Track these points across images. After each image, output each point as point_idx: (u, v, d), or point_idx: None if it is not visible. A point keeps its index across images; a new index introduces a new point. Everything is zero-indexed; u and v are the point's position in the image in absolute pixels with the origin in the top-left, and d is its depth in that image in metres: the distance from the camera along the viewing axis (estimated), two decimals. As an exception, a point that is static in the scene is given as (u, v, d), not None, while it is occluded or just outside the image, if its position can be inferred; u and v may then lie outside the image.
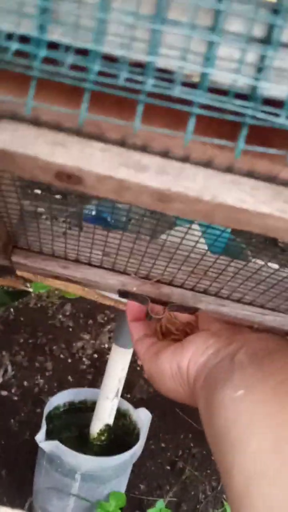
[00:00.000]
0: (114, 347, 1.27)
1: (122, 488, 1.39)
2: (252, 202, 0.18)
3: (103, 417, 1.33)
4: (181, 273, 0.39)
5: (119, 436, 1.41)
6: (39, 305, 2.41)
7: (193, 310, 0.39)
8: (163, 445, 1.74)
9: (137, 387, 1.99)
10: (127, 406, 1.44)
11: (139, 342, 0.43)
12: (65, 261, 0.40)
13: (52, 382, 1.93)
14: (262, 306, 0.38)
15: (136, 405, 1.45)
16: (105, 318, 2.44)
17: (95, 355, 2.15)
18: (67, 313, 2.40)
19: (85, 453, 1.25)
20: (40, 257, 0.40)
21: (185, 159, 0.20)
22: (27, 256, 0.40)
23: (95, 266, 0.40)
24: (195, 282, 0.39)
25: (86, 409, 1.46)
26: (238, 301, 0.39)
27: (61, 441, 1.24)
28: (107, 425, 1.34)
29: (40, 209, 0.39)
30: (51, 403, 1.40)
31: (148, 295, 0.39)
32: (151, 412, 1.53)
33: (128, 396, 1.91)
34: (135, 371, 2.08)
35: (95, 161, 0.21)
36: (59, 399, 1.43)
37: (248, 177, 0.18)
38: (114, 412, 1.34)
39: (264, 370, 0.30)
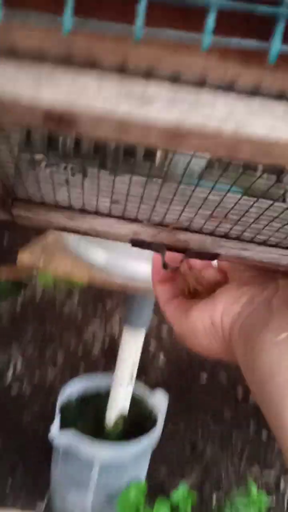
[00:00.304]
0: (126, 329, 1.23)
1: (143, 475, 1.36)
2: (286, 129, 0.13)
3: (118, 405, 1.30)
4: (199, 217, 0.35)
5: (136, 422, 1.38)
6: (46, 296, 2.38)
7: (213, 257, 0.36)
8: (181, 426, 1.71)
9: (152, 368, 1.96)
10: (142, 391, 1.41)
11: (166, 304, 0.41)
12: (70, 212, 0.36)
13: (64, 371, 1.90)
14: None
15: (152, 387, 1.41)
16: (114, 303, 2.40)
17: (106, 341, 2.11)
18: (76, 301, 2.37)
19: (101, 441, 1.22)
20: (43, 209, 0.36)
21: (201, 83, 0.17)
22: (29, 209, 0.36)
23: (103, 215, 0.36)
24: (215, 226, 0.35)
25: (100, 396, 1.43)
26: (263, 243, 0.35)
27: (77, 431, 1.21)
28: (123, 413, 1.31)
29: (38, 157, 0.35)
30: (64, 392, 1.36)
31: (163, 243, 0.35)
32: (168, 392, 1.50)
33: (144, 378, 1.88)
34: (148, 353, 2.05)
35: (89, 94, 0.18)
36: (72, 387, 1.40)
37: (280, 99, 0.14)
38: (129, 400, 1.30)
39: None
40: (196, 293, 0.41)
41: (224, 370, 2.02)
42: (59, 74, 0.17)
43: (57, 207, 0.36)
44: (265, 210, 0.33)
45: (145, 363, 1.97)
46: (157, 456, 1.56)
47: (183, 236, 0.36)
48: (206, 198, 0.34)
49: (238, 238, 0.35)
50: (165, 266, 0.36)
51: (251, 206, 0.33)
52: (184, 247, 0.36)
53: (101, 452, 1.20)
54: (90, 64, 0.17)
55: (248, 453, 1.63)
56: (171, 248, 0.36)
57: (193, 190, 0.35)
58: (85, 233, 0.36)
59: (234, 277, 0.38)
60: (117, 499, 1.26)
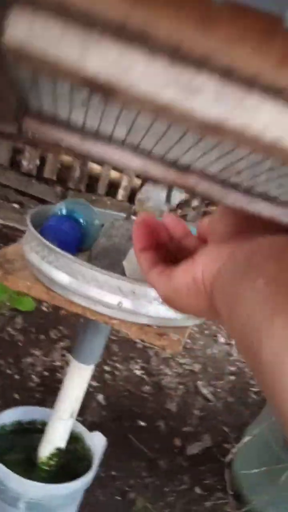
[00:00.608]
0: (73, 363, 1.15)
1: (69, 520, 1.26)
2: None
3: (55, 439, 1.21)
4: (215, 166, 0.33)
5: (69, 462, 1.28)
6: (-12, 316, 2.26)
7: (218, 203, 0.36)
8: (114, 473, 1.62)
9: (89, 409, 1.86)
10: (80, 428, 1.32)
11: (150, 270, 0.41)
12: (83, 134, 0.33)
13: (-3, 399, 1.78)
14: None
15: (88, 429, 1.33)
16: (58, 334, 2.31)
17: (46, 373, 2.01)
18: (18, 327, 2.26)
19: (31, 478, 1.12)
20: (54, 127, 0.33)
21: (251, 83, 0.16)
22: (41, 125, 0.33)
23: (116, 143, 0.34)
24: (227, 176, 0.33)
25: (35, 430, 1.33)
26: (273, 200, 0.34)
27: (6, 464, 1.11)
28: (58, 449, 1.21)
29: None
30: (-3, 422, 1.26)
31: (171, 183, 0.34)
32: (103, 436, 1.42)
33: (80, 419, 1.78)
34: (87, 392, 1.95)
35: (135, 73, 0.17)
36: (5, 417, 1.29)
37: None
38: (67, 435, 1.21)
39: (284, 263, 0.30)
40: (177, 261, 0.41)
41: (163, 419, 1.95)
42: (108, 43, 0.17)
43: (70, 126, 0.33)
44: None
45: (83, 403, 1.87)
46: (84, 502, 1.45)
47: (192, 180, 0.34)
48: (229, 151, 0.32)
49: (248, 192, 0.35)
50: (168, 203, 0.35)
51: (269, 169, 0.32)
52: (191, 190, 0.35)
53: (29, 490, 1.10)
54: (142, 39, 0.17)
55: (180, 509, 1.55)
56: (179, 187, 0.35)
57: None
58: (95, 157, 0.34)
59: (214, 238, 0.39)
60: None
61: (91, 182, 3.56)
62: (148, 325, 0.92)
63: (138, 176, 3.50)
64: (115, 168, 3.49)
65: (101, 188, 3.54)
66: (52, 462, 1.22)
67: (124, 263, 0.96)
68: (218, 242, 0.37)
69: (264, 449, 1.50)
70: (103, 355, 2.23)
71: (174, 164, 0.35)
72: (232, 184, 0.35)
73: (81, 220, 1.05)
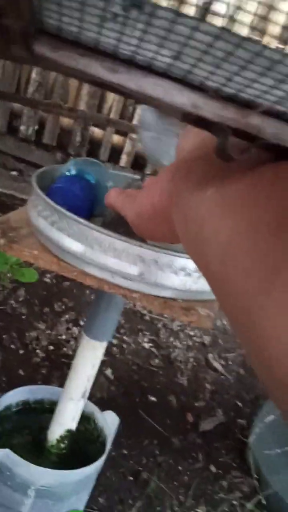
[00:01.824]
0: (85, 340, 1.05)
1: (82, 506, 1.18)
2: None
3: (65, 421, 1.12)
4: (287, 99, 0.25)
5: (81, 444, 1.20)
6: (-11, 288, 2.16)
7: (285, 152, 0.28)
8: (125, 452, 1.54)
9: (97, 384, 1.78)
10: (91, 408, 1.24)
11: (118, 196, 0.41)
12: (113, 62, 0.25)
13: (0, 376, 1.69)
14: None
15: (96, 405, 1.24)
16: (63, 307, 2.21)
17: (51, 347, 1.92)
18: (21, 299, 2.16)
19: (40, 462, 1.04)
20: (76, 51, 0.24)
21: None
22: (57, 48, 0.24)
23: (158, 73, 0.26)
24: None
25: (43, 410, 1.25)
26: None
27: (12, 448, 1.02)
28: (69, 431, 1.12)
29: None
30: (1, 402, 1.17)
31: (228, 125, 0.27)
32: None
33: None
34: (95, 366, 1.87)
35: None
36: (11, 397, 1.20)
37: None
38: (78, 416, 1.12)
39: (236, 176, 0.27)
40: None
41: (174, 394, 1.87)
42: None
43: (96, 51, 0.25)
44: None
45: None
46: (95, 484, 1.38)
47: (257, 120, 0.27)
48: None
49: None
50: (225, 155, 0.28)
51: None
52: (254, 133, 0.27)
53: (39, 477, 1.01)
54: None
55: (195, 489, 1.48)
56: (237, 133, 0.28)
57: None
58: (129, 94, 0.27)
59: (179, 157, 0.37)
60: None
61: (93, 147, 3.42)
62: (173, 299, 0.81)
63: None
64: (118, 132, 3.34)
65: (103, 153, 3.40)
66: (62, 445, 1.13)
67: (144, 229, 0.85)
68: (181, 161, 0.35)
69: (284, 425, 1.42)
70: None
71: (233, 99, 0.27)
72: None
73: (93, 181, 0.93)
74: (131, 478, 1.46)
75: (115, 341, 2.08)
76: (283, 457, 1.40)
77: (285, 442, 1.38)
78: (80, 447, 1.19)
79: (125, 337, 2.13)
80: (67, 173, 0.93)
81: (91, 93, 3.28)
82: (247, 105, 0.27)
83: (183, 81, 0.26)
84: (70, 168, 0.94)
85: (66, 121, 3.36)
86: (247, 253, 0.22)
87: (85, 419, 1.23)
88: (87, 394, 1.11)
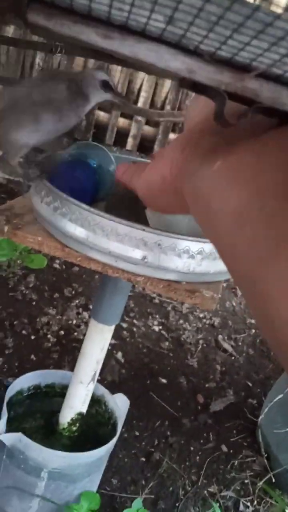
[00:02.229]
0: (93, 324, 1.06)
1: (94, 487, 1.20)
2: None
3: (76, 404, 1.13)
4: (281, 63, 0.25)
5: (92, 426, 1.21)
6: (-1, 275, 2.18)
7: (285, 117, 0.28)
8: (137, 433, 1.56)
9: (108, 368, 1.80)
10: (102, 391, 1.25)
11: (126, 170, 0.40)
12: (106, 28, 0.26)
13: (12, 361, 1.71)
14: None
15: (107, 388, 1.25)
16: (73, 292, 2.22)
17: (61, 332, 1.94)
18: (31, 285, 2.18)
19: (52, 445, 1.06)
20: (69, 19, 0.25)
21: None
22: (51, 15, 0.25)
23: (151, 38, 0.26)
24: None
25: (54, 394, 1.26)
26: None
27: (25, 432, 1.04)
28: (80, 414, 1.14)
29: None
30: (13, 387, 1.19)
31: (225, 89, 0.27)
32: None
33: (99, 378, 1.71)
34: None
35: None
36: (23, 382, 1.22)
37: None
38: (88, 399, 1.14)
39: (242, 146, 0.27)
40: None
41: (184, 375, 1.88)
42: None
43: (89, 18, 0.26)
44: None
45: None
46: (108, 466, 1.40)
47: (253, 84, 0.27)
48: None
49: None
50: (221, 120, 0.29)
51: None
52: (251, 98, 0.27)
53: (51, 460, 1.03)
54: None
55: (206, 468, 1.50)
56: (234, 97, 0.28)
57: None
58: (123, 59, 0.29)
59: (188, 127, 0.37)
60: (64, 514, 1.10)
61: (99, 131, 3.40)
62: (177, 282, 0.81)
63: (147, 123, 3.33)
64: (123, 115, 3.32)
65: (109, 137, 3.38)
66: (74, 428, 1.15)
67: (147, 212, 0.85)
68: (190, 132, 0.34)
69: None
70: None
71: (229, 63, 0.27)
72: None
73: (95, 165, 0.93)
74: (143, 459, 1.48)
75: (125, 325, 2.09)
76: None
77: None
78: (92, 429, 1.21)
79: (135, 321, 2.14)
80: (69, 158, 0.93)
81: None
82: (242, 69, 0.27)
83: (178, 46, 0.26)
84: (72, 152, 0.94)
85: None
86: (254, 222, 0.23)
87: (96, 402, 1.24)
88: (96, 377, 1.12)
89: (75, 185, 0.87)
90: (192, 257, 0.79)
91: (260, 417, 1.59)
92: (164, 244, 0.77)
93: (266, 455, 1.54)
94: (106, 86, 0.87)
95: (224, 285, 2.65)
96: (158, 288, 0.82)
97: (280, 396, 1.46)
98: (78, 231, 0.78)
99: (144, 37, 0.26)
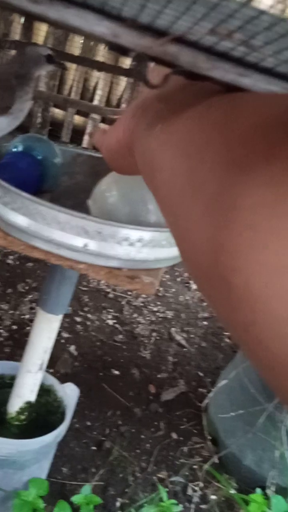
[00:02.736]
0: (40, 313, 1.08)
1: (44, 474, 1.22)
2: None
3: (24, 393, 1.15)
4: (197, 28, 0.27)
5: (42, 415, 1.23)
6: None
7: (204, 79, 0.30)
8: (88, 423, 1.59)
9: (61, 360, 1.81)
10: (51, 381, 1.27)
11: (97, 137, 0.42)
12: None
13: None
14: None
15: (60, 381, 1.28)
16: (26, 287, 2.23)
17: (14, 327, 1.94)
18: (-17, 281, 2.17)
19: (2, 435, 1.07)
20: None
21: None
22: None
23: (77, 4, 0.28)
24: (214, 42, 0.27)
25: (3, 384, 1.27)
26: (268, 71, 0.29)
27: (-27, 422, 1.05)
28: (28, 403, 1.16)
29: None
30: None
31: (147, 53, 0.29)
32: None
33: (51, 371, 1.73)
34: (59, 343, 1.90)
35: None
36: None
37: None
38: (37, 388, 1.16)
39: (179, 111, 0.30)
40: None
41: (137, 367, 1.92)
42: None
43: None
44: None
45: (55, 354, 1.82)
46: (59, 455, 1.42)
47: (173, 49, 0.29)
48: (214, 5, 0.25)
49: (239, 61, 0.29)
50: (146, 82, 0.31)
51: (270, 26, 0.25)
52: (171, 61, 0.29)
53: (-2, 447, 1.05)
54: None
55: (156, 455, 1.54)
56: (156, 60, 0.30)
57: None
58: (54, 23, 0.29)
59: (144, 93, 0.39)
60: (12, 500, 1.11)
61: (54, 128, 3.40)
62: (118, 268, 0.85)
63: (103, 121, 3.35)
64: (79, 112, 3.33)
65: (65, 134, 3.38)
66: (22, 417, 1.17)
67: (89, 202, 0.88)
68: (142, 99, 0.36)
69: (240, 392, 1.49)
70: (74, 306, 2.18)
71: (149, 28, 0.29)
72: (221, 52, 0.28)
73: (40, 158, 0.95)
74: (94, 448, 1.50)
75: (79, 319, 2.11)
76: (238, 420, 1.46)
77: (238, 405, 1.45)
78: (41, 418, 1.23)
79: (89, 315, 2.17)
80: (14, 150, 0.95)
81: (50, 74, 3.25)
82: (163, 34, 0.29)
83: (104, 12, 0.28)
84: (17, 145, 0.96)
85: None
86: (180, 176, 0.26)
87: (45, 391, 1.26)
88: (44, 366, 1.15)
89: (19, 176, 0.89)
90: (132, 245, 0.82)
91: (205, 401, 1.65)
92: (105, 231, 0.80)
93: (210, 438, 1.60)
94: (50, 59, 1.00)
95: (178, 280, 2.71)
96: (99, 275, 0.85)
97: (225, 381, 1.52)
98: (20, 220, 0.81)
99: (71, 3, 0.28)
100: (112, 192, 0.86)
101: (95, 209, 0.88)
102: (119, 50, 0.31)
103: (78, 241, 0.80)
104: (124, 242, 0.82)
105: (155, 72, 0.34)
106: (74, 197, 0.93)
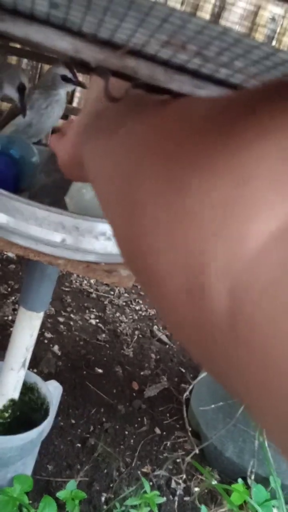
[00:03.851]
0: (22, 311, 1.10)
1: (28, 471, 1.23)
2: None
3: (7, 391, 1.16)
4: (154, 43, 0.28)
5: (25, 413, 1.25)
6: None
7: (163, 91, 0.32)
8: (73, 421, 1.60)
9: (44, 360, 1.83)
10: (34, 378, 1.28)
11: (53, 142, 0.43)
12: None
13: None
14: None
15: (44, 380, 1.29)
16: (9, 289, 2.23)
17: (-3, 328, 1.95)
18: None
19: (-15, 432, 1.08)
20: None
21: None
22: None
23: (39, 21, 0.29)
24: (170, 55, 0.29)
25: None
26: (222, 83, 0.30)
27: None
28: (12, 400, 1.17)
29: None
30: None
31: (107, 67, 0.30)
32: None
33: (35, 371, 1.74)
34: (42, 343, 1.91)
35: None
36: None
37: None
38: (20, 386, 1.17)
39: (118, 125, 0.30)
40: None
41: (120, 365, 1.93)
42: None
43: None
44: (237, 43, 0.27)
45: (38, 354, 1.84)
46: (44, 453, 1.43)
47: (132, 62, 0.30)
48: (165, 19, 0.27)
49: (194, 73, 0.31)
50: (108, 96, 0.32)
51: (217, 38, 0.27)
52: (131, 74, 0.31)
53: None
54: None
55: (140, 450, 1.56)
56: (116, 74, 0.31)
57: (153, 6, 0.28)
58: (19, 40, 0.30)
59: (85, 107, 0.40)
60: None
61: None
62: (96, 263, 0.87)
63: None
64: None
65: (45, 137, 3.39)
66: (6, 414, 1.18)
67: (66, 198, 0.90)
68: (84, 116, 0.37)
69: (220, 385, 1.51)
70: (57, 306, 2.19)
71: (108, 43, 0.30)
72: (177, 65, 0.30)
73: (17, 157, 0.97)
74: (78, 445, 1.52)
75: (62, 319, 2.12)
76: (218, 413, 1.49)
77: (219, 398, 1.48)
78: (25, 416, 1.24)
79: (72, 315, 2.18)
80: (-9, 150, 0.97)
81: (29, 76, 3.26)
82: (121, 47, 0.30)
83: (65, 28, 0.29)
84: (-6, 145, 0.98)
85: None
86: (114, 182, 0.27)
87: (29, 389, 1.28)
88: (27, 364, 1.16)
89: (-4, 174, 0.90)
90: (109, 239, 0.85)
91: (185, 394, 1.67)
92: (82, 227, 0.82)
93: (190, 429, 1.63)
94: (65, 78, 1.18)
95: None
96: (77, 270, 0.87)
97: (204, 374, 1.55)
98: (-2, 217, 0.82)
99: (34, 20, 0.29)
100: (88, 189, 0.88)
101: (72, 205, 0.90)
102: (81, 66, 0.32)
103: (56, 237, 0.82)
104: (101, 236, 0.84)
105: (116, 86, 0.35)
106: (51, 194, 0.95)
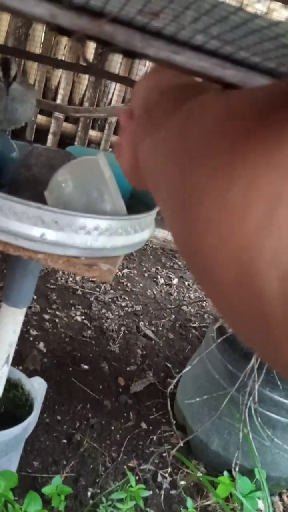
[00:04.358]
0: (4, 307, 1.09)
1: (13, 467, 1.23)
2: None
3: (-9, 387, 1.16)
4: (130, 7, 0.29)
5: (10, 409, 1.25)
6: None
7: (140, 56, 0.32)
8: (58, 417, 1.60)
9: (29, 358, 1.82)
10: (18, 375, 1.28)
11: (117, 147, 0.45)
12: None
13: None
14: (225, 58, 0.31)
15: (29, 377, 1.29)
16: (-7, 287, 2.22)
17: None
18: None
19: None
20: None
21: None
22: None
23: None
24: (146, 22, 0.29)
25: None
26: (197, 49, 0.31)
27: None
28: (-5, 396, 1.17)
29: None
30: None
31: (85, 32, 0.30)
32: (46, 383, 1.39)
33: (20, 368, 1.74)
34: (27, 341, 1.91)
35: None
36: None
37: None
38: (3, 382, 1.17)
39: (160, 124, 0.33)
40: None
41: (106, 361, 1.94)
42: None
43: None
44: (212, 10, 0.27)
45: (24, 352, 1.83)
46: (30, 449, 1.43)
47: (109, 28, 0.30)
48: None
49: (171, 39, 0.31)
50: (84, 59, 0.30)
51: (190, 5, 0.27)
52: (108, 41, 0.31)
53: None
54: None
55: (126, 445, 1.56)
56: (93, 39, 0.31)
57: None
58: None
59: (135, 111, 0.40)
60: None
61: (17, 128, 3.39)
62: (77, 257, 0.87)
63: (66, 120, 3.36)
64: (42, 112, 3.33)
65: (29, 134, 3.38)
66: (-10, 410, 1.17)
67: (46, 193, 0.90)
68: (134, 132, 0.38)
69: (204, 377, 1.52)
70: (42, 303, 2.18)
71: (85, 9, 0.31)
72: (154, 31, 0.30)
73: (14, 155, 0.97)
74: (64, 441, 1.52)
75: (47, 316, 2.12)
76: (204, 406, 1.50)
77: (204, 391, 1.49)
78: (9, 412, 1.24)
79: (57, 312, 2.18)
80: None
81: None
82: (99, 14, 0.30)
83: None
84: (-27, 140, 0.97)
85: None
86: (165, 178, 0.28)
87: (13, 386, 1.27)
88: (10, 360, 1.16)
89: (-24, 170, 0.90)
90: (88, 233, 0.85)
91: (170, 388, 1.68)
92: (61, 221, 0.82)
93: (175, 422, 1.64)
94: None
95: (146, 275, 2.74)
96: (58, 264, 0.87)
97: (188, 368, 1.56)
98: (-23, 212, 0.82)
99: None
100: (68, 183, 0.88)
101: (52, 200, 0.90)
102: (59, 31, 0.32)
103: (36, 231, 0.82)
104: (81, 231, 0.84)
105: (167, 75, 0.37)
106: (31, 189, 0.95)
